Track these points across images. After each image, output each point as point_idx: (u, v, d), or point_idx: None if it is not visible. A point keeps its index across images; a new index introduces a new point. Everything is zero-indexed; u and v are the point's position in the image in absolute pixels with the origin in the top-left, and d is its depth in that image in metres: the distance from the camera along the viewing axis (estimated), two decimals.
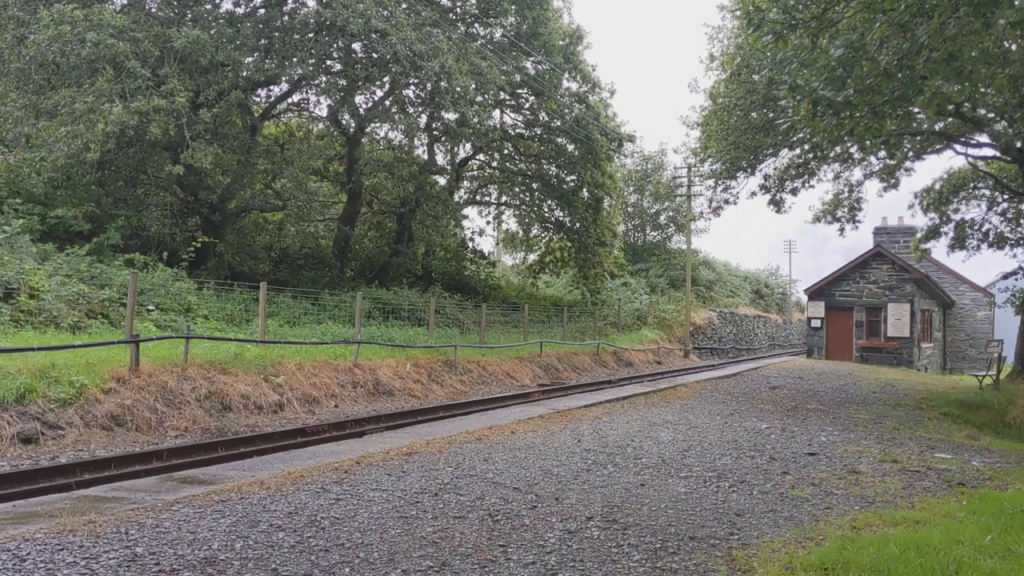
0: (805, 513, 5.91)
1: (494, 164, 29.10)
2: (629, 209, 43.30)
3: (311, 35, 17.46)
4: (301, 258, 23.40)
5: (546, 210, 29.47)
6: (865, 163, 20.92)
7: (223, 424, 10.45)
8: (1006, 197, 21.74)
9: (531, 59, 24.28)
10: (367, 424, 11.25)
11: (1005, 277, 23.31)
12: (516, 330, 23.07)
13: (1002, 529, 5.30)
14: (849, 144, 17.52)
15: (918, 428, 12.31)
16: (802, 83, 8.95)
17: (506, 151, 28.03)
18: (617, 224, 32.37)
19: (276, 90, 20.67)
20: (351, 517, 5.24)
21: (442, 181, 25.60)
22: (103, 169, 16.62)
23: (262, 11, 18.47)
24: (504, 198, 31.21)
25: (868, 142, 14.52)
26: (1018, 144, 16.48)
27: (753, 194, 20.94)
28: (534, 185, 28.72)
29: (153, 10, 17.67)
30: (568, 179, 27.62)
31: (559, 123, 25.68)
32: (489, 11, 22.23)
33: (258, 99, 20.85)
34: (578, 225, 28.03)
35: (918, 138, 18.60)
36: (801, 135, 16.99)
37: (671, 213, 43.04)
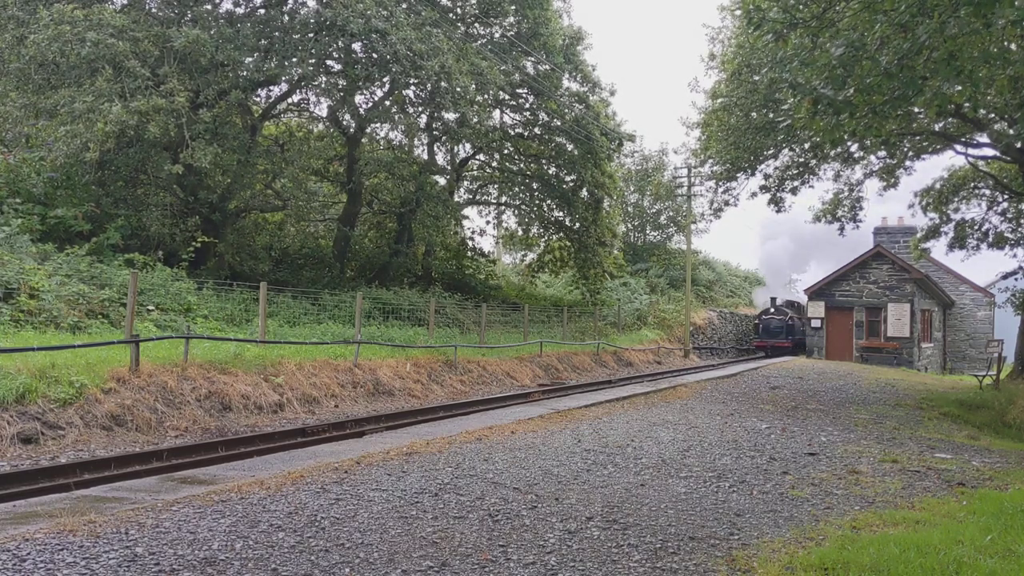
0: (805, 513, 5.90)
1: (494, 164, 29.12)
2: (629, 209, 43.28)
3: (311, 35, 17.47)
4: (301, 258, 23.40)
5: (546, 210, 29.49)
6: (865, 162, 20.92)
7: (223, 424, 10.45)
8: (1006, 197, 21.73)
9: (531, 59, 24.29)
10: (367, 424, 11.25)
11: (1005, 277, 23.31)
12: (516, 330, 23.07)
13: (1002, 529, 5.30)
14: (849, 144, 17.51)
15: (918, 428, 12.31)
16: (803, 82, 8.95)
17: (506, 151, 28.04)
18: (617, 224, 32.36)
19: (276, 90, 20.70)
20: (351, 517, 5.24)
21: (442, 181, 25.62)
22: (103, 169, 16.63)
23: (262, 11, 18.48)
24: (504, 198, 31.22)
25: (868, 142, 14.53)
26: (1018, 144, 16.46)
27: (753, 195, 20.93)
28: (534, 185, 28.74)
29: (153, 10, 17.68)
30: (568, 179, 27.64)
31: (559, 123, 25.68)
32: (489, 11, 22.23)
33: (258, 99, 20.86)
34: (578, 225, 28.04)
35: (918, 138, 18.60)
36: (801, 134, 16.99)
37: (671, 213, 43.02)
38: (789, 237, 47.62)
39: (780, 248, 47.88)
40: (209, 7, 18.37)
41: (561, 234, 29.89)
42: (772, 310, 35.42)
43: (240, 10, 18.88)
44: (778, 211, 20.65)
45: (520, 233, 32.63)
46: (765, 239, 59.66)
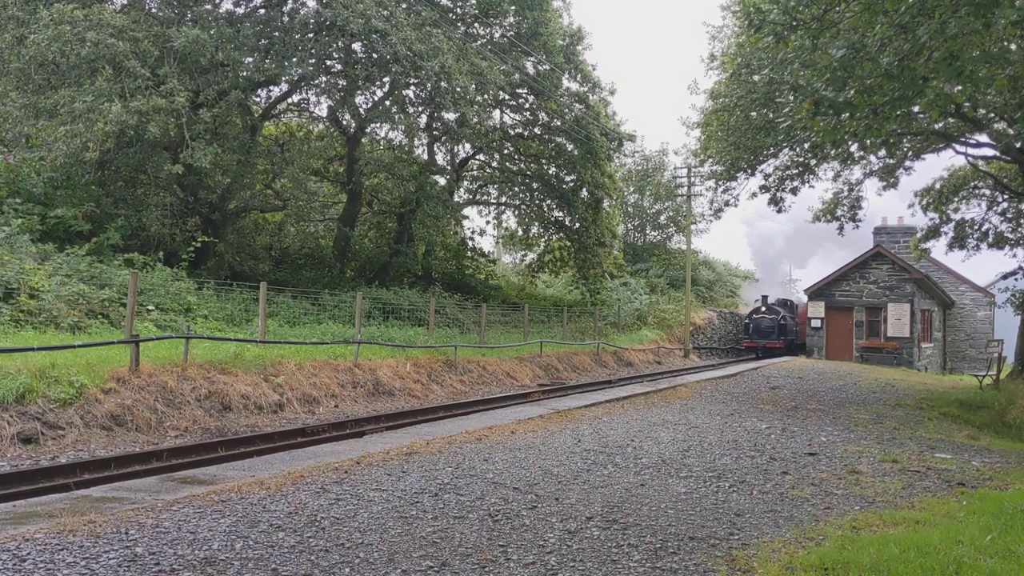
0: (805, 513, 5.91)
1: (494, 164, 29.12)
2: (629, 209, 43.28)
3: (311, 35, 17.47)
4: (301, 258, 23.41)
5: (546, 210, 29.49)
6: (865, 162, 20.92)
7: (223, 424, 10.45)
8: (1006, 197, 21.73)
9: (531, 59, 24.28)
10: (367, 424, 11.25)
11: (1005, 277, 23.30)
12: (516, 330, 23.07)
13: (1002, 529, 5.30)
14: (849, 144, 17.52)
15: (918, 428, 12.31)
16: (804, 83, 8.95)
17: (506, 151, 28.04)
18: (616, 224, 32.36)
19: (276, 90, 20.69)
20: (351, 517, 5.24)
21: (442, 181, 25.62)
22: (103, 169, 16.62)
23: (262, 11, 18.48)
24: (504, 198, 31.22)
25: (868, 142, 14.53)
26: (1018, 144, 16.47)
27: (753, 195, 20.94)
28: (534, 185, 28.73)
29: (153, 10, 17.68)
30: (568, 179, 27.64)
31: (559, 123, 25.69)
32: (489, 11, 22.23)
33: (258, 99, 20.85)
34: (578, 225, 28.05)
35: (919, 137, 18.60)
36: (801, 134, 16.99)
37: (671, 213, 43.03)
38: (781, 234, 47.47)
39: (772, 242, 47.67)
40: (209, 7, 18.36)
41: (561, 234, 29.88)
42: (763, 309, 33.86)
43: (240, 10, 18.88)
44: (778, 211, 20.64)
45: (520, 233, 32.63)
46: (754, 234, 58.99)
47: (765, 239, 48.67)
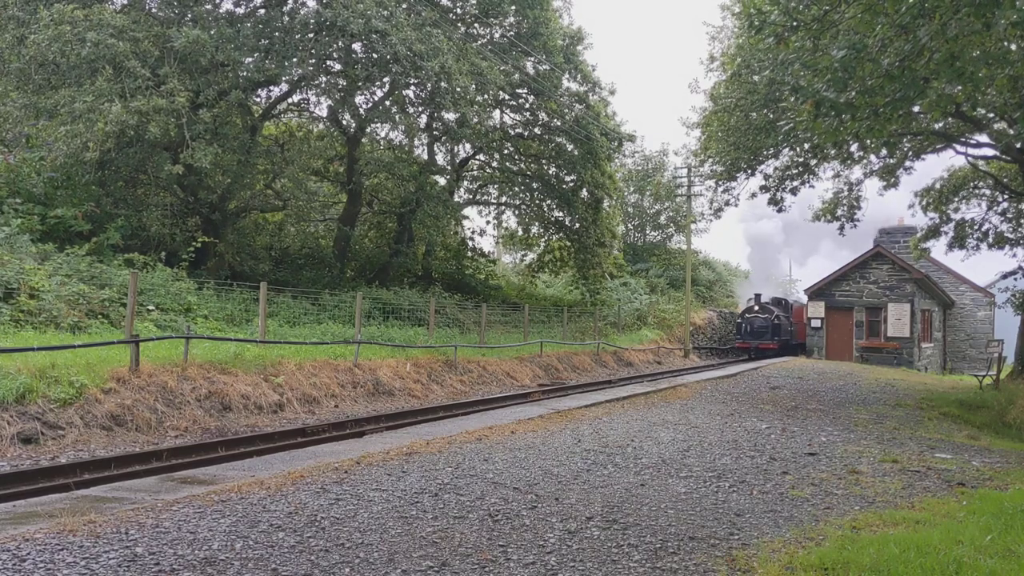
0: (805, 513, 5.90)
1: (494, 164, 29.13)
2: (629, 209, 43.29)
3: (311, 35, 17.47)
4: (301, 258, 23.41)
5: (546, 210, 29.50)
6: (865, 162, 20.91)
7: (223, 424, 10.45)
8: (1006, 197, 21.73)
9: (531, 59, 24.29)
10: (367, 424, 11.25)
11: (1005, 277, 23.29)
12: (516, 330, 23.07)
13: (1002, 529, 5.30)
14: (850, 144, 17.51)
15: (918, 428, 12.31)
16: (805, 84, 8.95)
17: (506, 151, 28.05)
18: (616, 225, 32.37)
19: (276, 90, 20.70)
20: (351, 517, 5.24)
21: (442, 181, 25.64)
22: (103, 169, 16.63)
23: (262, 11, 18.48)
24: (504, 198, 31.23)
25: (869, 142, 14.53)
26: (1018, 144, 16.46)
27: (753, 195, 20.93)
28: (534, 185, 28.74)
29: (153, 10, 17.69)
30: (568, 179, 27.66)
31: (559, 123, 25.69)
32: (489, 11, 22.24)
33: (258, 99, 20.86)
34: (578, 225, 28.06)
35: (919, 137, 18.59)
36: (802, 135, 16.98)
37: (671, 213, 43.04)
38: (780, 232, 47.30)
39: (771, 240, 47.46)
40: (209, 7, 18.37)
41: (561, 234, 29.89)
42: (756, 308, 32.65)
43: (240, 10, 18.89)
44: (779, 211, 20.64)
45: (520, 233, 32.64)
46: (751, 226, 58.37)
47: (763, 237, 48.56)
